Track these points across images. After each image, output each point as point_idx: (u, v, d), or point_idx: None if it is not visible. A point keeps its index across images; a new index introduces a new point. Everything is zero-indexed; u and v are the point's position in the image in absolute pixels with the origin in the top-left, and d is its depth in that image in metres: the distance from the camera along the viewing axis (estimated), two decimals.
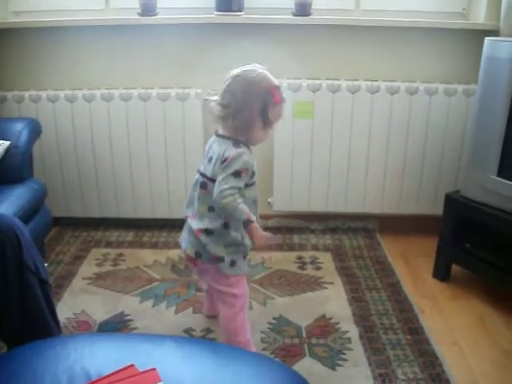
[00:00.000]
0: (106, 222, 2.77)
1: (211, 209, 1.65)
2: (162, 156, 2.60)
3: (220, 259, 1.67)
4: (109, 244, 2.61)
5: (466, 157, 2.23)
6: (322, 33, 2.53)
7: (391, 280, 2.31)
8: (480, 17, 2.51)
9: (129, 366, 1.08)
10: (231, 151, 1.59)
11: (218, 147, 1.64)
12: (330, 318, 2.02)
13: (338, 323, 2.00)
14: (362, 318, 2.03)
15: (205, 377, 1.09)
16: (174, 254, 2.50)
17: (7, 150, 2.16)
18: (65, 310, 2.02)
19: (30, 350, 1.22)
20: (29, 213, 2.08)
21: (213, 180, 1.62)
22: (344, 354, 1.83)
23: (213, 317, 2.00)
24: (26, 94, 2.54)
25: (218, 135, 1.69)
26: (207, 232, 1.66)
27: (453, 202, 2.23)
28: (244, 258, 1.74)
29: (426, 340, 1.90)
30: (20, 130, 2.27)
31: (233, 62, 2.56)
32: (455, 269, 2.32)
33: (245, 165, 1.59)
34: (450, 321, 2.05)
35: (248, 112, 1.59)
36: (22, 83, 2.60)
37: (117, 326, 1.98)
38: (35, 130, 2.35)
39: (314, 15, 2.48)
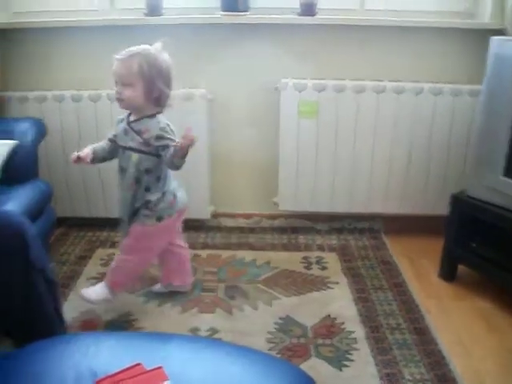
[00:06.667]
0: (112, 222, 2.75)
1: None
2: None
3: None
4: (114, 244, 2.61)
5: (472, 157, 2.23)
6: (327, 33, 2.53)
7: (397, 280, 2.31)
8: (485, 16, 2.50)
9: (136, 365, 1.08)
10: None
11: None
12: (336, 318, 2.02)
13: (343, 323, 1.99)
14: (368, 318, 2.03)
15: (211, 375, 1.08)
16: None
17: (13, 150, 2.17)
18: (70, 310, 2.01)
19: (36, 348, 1.21)
20: (34, 213, 2.08)
21: None
22: (350, 354, 1.82)
23: None
24: (32, 95, 2.55)
25: None
26: None
27: (459, 201, 2.22)
28: None
29: (432, 340, 1.90)
30: (26, 130, 2.28)
31: (238, 62, 2.59)
32: (461, 269, 2.31)
33: None
34: (456, 321, 2.04)
35: None
36: (27, 83, 2.60)
37: (122, 326, 1.98)
38: (41, 130, 2.36)
39: (320, 15, 2.48)
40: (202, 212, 2.71)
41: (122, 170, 1.96)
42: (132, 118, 1.93)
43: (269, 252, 2.54)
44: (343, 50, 2.58)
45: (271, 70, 2.56)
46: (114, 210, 2.68)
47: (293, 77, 2.52)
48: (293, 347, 1.86)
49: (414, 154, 2.58)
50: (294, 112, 2.52)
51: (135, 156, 1.91)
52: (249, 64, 2.59)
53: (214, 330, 1.95)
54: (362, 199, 2.66)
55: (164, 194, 1.96)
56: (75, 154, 1.94)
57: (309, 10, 2.47)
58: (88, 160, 1.95)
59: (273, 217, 2.79)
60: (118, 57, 1.89)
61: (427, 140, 2.56)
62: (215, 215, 2.79)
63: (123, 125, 1.95)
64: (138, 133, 1.89)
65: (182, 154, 1.79)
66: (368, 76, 2.54)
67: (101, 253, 2.52)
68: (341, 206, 2.68)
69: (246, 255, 2.50)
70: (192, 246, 2.56)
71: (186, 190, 2.61)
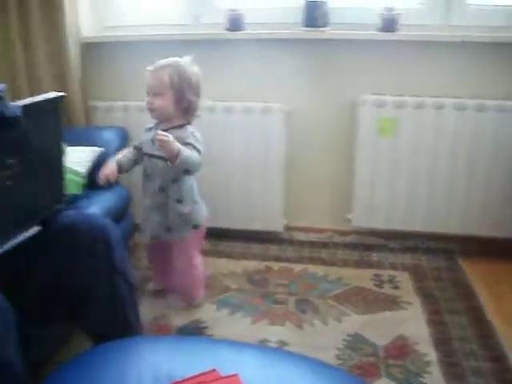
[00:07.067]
0: None
1: None
2: (244, 167, 2.64)
3: None
4: None
5: None
6: (408, 48, 2.50)
7: (472, 304, 2.22)
8: None
9: (211, 371, 1.10)
10: None
11: None
12: (408, 339, 1.97)
13: (416, 345, 1.94)
14: (442, 342, 1.97)
15: None
16: (250, 265, 2.53)
17: (99, 157, 2.27)
18: (145, 314, 2.05)
19: (115, 347, 1.26)
20: (115, 217, 2.16)
21: None
22: (423, 377, 1.77)
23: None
24: (116, 104, 2.67)
25: None
26: None
27: None
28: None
29: (510, 370, 1.81)
30: (110, 138, 2.38)
31: (317, 77, 2.61)
32: None
33: None
34: None
35: None
36: (113, 94, 2.73)
37: (193, 333, 2.01)
38: (124, 139, 2.46)
39: (401, 31, 2.45)
40: (275, 224, 2.73)
41: (147, 176, 2.04)
42: (161, 128, 1.99)
43: (340, 268, 2.51)
44: (423, 66, 2.53)
45: (350, 86, 2.56)
46: None
47: (372, 93, 2.51)
48: (362, 365, 1.83)
49: (494, 173, 2.50)
50: (371, 128, 2.51)
51: (161, 164, 1.96)
52: (328, 79, 2.60)
53: (283, 343, 1.95)
54: (438, 218, 2.60)
55: (195, 203, 2.06)
56: (101, 174, 2.00)
57: (390, 25, 2.45)
58: (114, 177, 2.02)
59: (345, 233, 2.77)
60: (149, 68, 1.98)
61: (509, 159, 2.47)
62: (288, 228, 2.80)
63: (151, 134, 2.01)
64: None
65: (167, 156, 1.87)
66: (448, 93, 2.49)
67: None
68: (416, 225, 2.63)
69: (318, 270, 2.49)
70: (264, 258, 2.60)
71: (260, 201, 2.67)
